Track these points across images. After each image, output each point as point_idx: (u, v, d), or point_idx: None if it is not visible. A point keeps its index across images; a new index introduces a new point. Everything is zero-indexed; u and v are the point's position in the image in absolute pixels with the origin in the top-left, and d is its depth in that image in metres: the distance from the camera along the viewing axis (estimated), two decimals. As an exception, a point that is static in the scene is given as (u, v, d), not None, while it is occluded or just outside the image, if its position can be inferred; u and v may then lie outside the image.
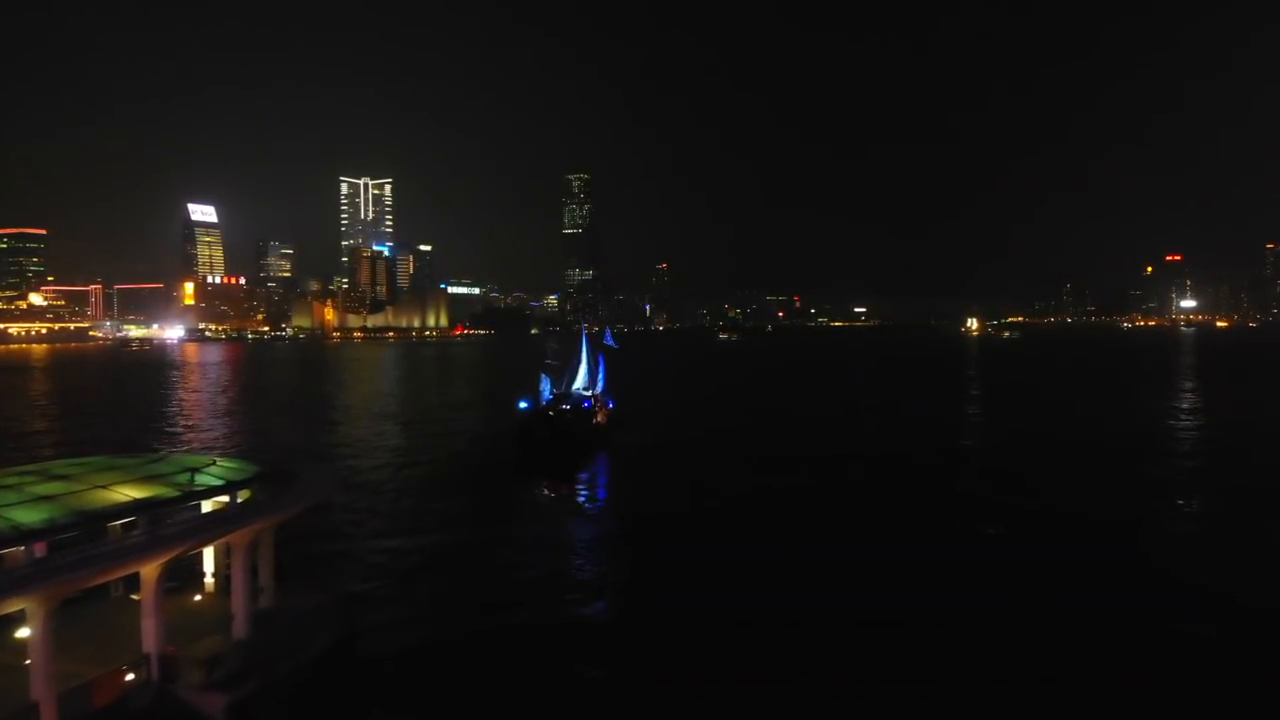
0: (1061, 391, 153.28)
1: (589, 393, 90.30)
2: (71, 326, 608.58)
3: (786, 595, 40.76)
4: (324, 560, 45.78)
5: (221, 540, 30.42)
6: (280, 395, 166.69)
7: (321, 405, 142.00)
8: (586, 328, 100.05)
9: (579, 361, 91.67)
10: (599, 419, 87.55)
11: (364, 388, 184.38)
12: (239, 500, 30.87)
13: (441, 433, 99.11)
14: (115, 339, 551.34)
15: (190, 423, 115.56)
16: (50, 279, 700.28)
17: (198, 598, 33.96)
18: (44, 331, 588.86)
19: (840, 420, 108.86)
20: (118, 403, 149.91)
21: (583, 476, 73.33)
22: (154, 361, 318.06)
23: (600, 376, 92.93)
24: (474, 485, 68.30)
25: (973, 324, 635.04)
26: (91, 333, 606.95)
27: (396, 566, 46.49)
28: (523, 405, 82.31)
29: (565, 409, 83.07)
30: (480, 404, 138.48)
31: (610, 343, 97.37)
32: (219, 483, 30.91)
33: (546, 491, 68.78)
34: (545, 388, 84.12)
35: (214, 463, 33.77)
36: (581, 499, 66.16)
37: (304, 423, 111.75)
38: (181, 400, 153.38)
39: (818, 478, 70.02)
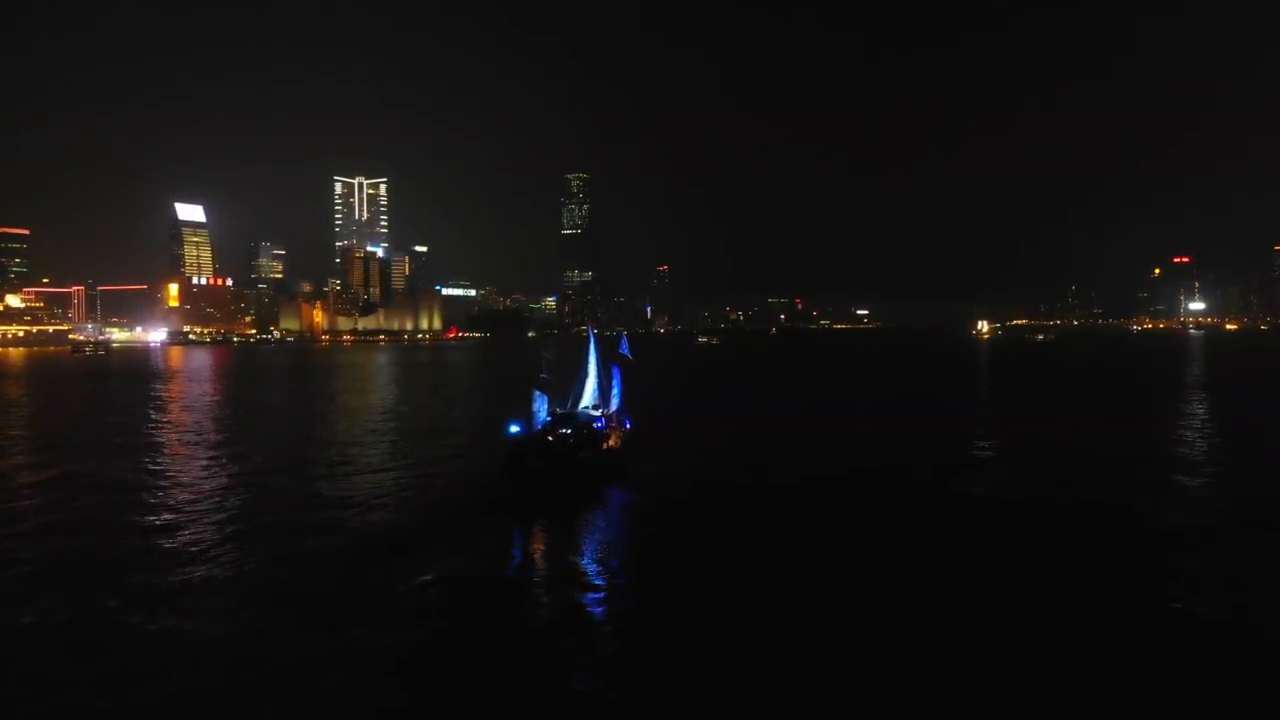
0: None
1: (599, 411, 70.85)
2: (50, 329, 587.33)
3: None
4: None
5: None
6: (219, 410, 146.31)
7: (249, 422, 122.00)
8: (595, 331, 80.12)
9: (586, 374, 72.01)
10: (611, 443, 68.55)
11: (319, 402, 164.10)
12: None
13: (409, 461, 79.76)
14: (81, 342, 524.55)
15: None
16: (45, 281, 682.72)
17: None
18: (21, 334, 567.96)
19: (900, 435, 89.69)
20: None
21: (590, 523, 54.27)
22: (96, 369, 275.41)
23: (616, 391, 73.36)
24: (440, 536, 49.04)
25: (983, 327, 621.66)
26: (71, 335, 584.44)
27: None
28: (513, 429, 63.18)
29: (566, 433, 64.28)
30: (467, 421, 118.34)
31: (625, 351, 77.11)
32: None
33: (538, 549, 50.09)
34: (540, 407, 64.66)
35: None
36: (586, 561, 46.41)
37: (214, 448, 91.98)
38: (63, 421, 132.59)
39: (884, 529, 50.54)
